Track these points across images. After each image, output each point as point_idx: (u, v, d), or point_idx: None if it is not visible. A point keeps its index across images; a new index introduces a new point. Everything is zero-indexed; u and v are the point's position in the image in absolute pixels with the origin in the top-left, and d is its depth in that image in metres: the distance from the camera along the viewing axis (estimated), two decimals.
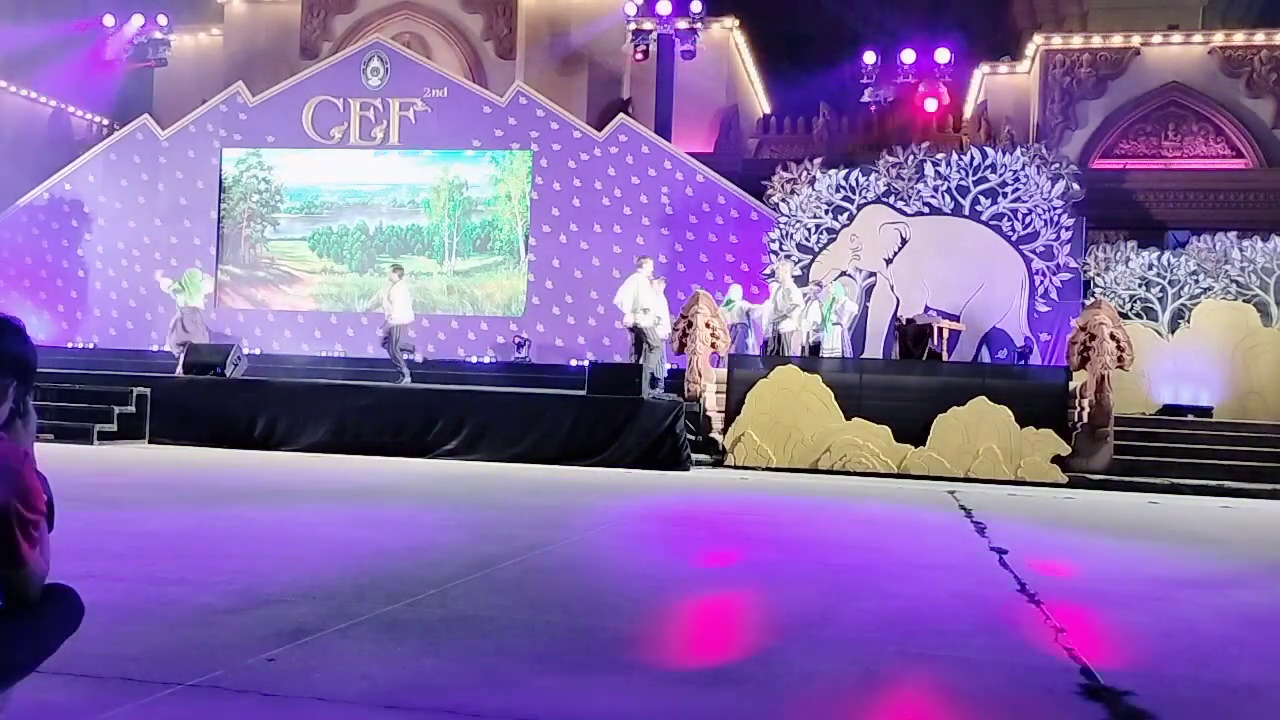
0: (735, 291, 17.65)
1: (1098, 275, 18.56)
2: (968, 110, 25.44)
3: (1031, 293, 17.89)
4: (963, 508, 10.36)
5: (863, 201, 18.48)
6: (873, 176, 18.49)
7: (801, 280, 17.97)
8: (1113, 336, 14.39)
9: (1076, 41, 23.03)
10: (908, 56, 21.90)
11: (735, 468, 14.25)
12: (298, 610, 4.49)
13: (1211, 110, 22.33)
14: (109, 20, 24.48)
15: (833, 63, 31.52)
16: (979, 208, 18.09)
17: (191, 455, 13.09)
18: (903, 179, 18.35)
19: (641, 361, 15.21)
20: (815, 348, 16.46)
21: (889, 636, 4.59)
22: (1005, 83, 24.06)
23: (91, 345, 21.46)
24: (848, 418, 14.26)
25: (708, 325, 15.44)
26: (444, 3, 24.08)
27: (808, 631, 4.62)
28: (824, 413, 14.33)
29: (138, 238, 22.15)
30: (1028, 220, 17.91)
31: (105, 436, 14.08)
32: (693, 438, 14.33)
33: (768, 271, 17.85)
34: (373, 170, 21.58)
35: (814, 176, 18.75)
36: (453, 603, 4.85)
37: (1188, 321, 17.71)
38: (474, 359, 20.21)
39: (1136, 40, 22.64)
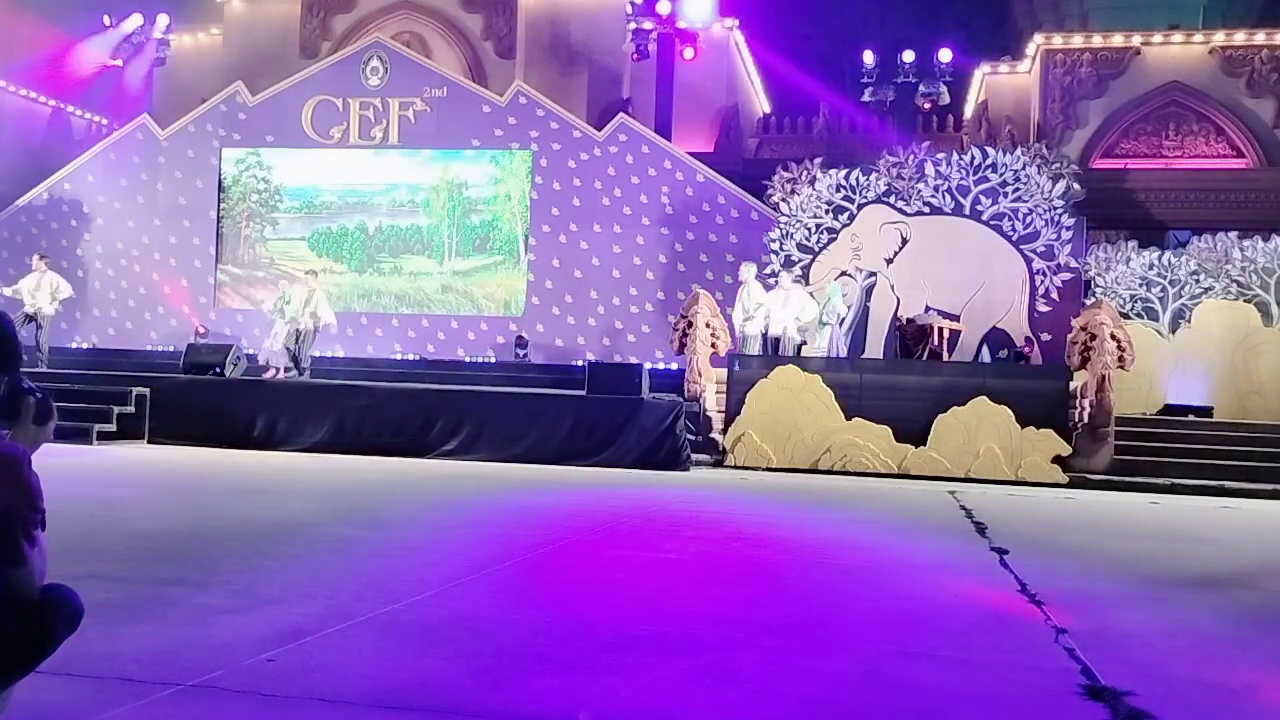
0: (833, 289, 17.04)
1: (1098, 275, 18.53)
2: (968, 110, 25.43)
3: (1032, 293, 17.87)
4: (963, 508, 10.36)
5: (863, 201, 18.45)
6: (873, 176, 18.45)
7: (801, 280, 17.95)
8: (1113, 336, 14.38)
9: (1077, 41, 23.02)
10: (908, 56, 21.90)
11: (735, 468, 14.23)
12: (297, 610, 4.49)
13: (1212, 110, 22.32)
14: (108, 20, 24.49)
15: (833, 62, 31.59)
16: (979, 207, 18.07)
17: (191, 455, 13.08)
18: (903, 179, 18.33)
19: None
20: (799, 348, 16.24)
21: (889, 636, 4.59)
22: (1006, 82, 24.05)
23: (91, 345, 21.45)
24: (848, 418, 14.25)
25: (708, 325, 15.44)
26: (444, 2, 24.05)
27: (808, 631, 4.61)
28: (824, 413, 14.31)
29: (137, 238, 22.13)
30: (1028, 220, 17.89)
31: (105, 436, 14.07)
32: (693, 438, 14.32)
33: (768, 271, 17.84)
34: (372, 170, 21.56)
35: (814, 176, 18.72)
36: (453, 603, 4.85)
37: (1188, 321, 17.69)
38: (474, 359, 20.20)
39: (1137, 40, 22.63)
